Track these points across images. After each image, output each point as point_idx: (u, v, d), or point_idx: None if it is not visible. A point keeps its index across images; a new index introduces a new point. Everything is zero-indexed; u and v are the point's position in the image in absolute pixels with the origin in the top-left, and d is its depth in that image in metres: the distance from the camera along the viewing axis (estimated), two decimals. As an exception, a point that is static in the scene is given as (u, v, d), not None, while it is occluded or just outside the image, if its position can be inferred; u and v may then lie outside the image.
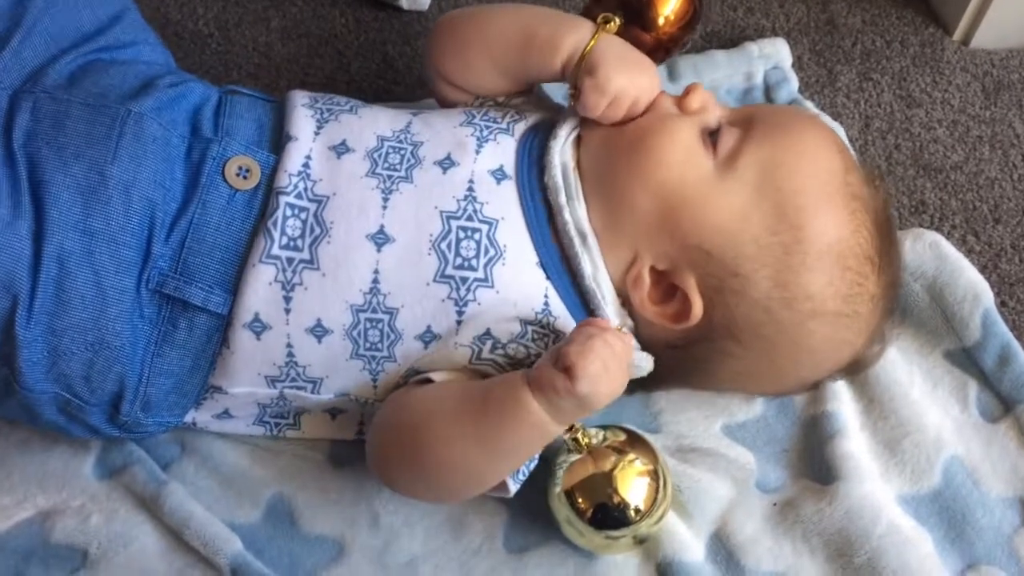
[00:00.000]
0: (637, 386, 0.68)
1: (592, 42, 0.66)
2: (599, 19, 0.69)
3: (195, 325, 0.62)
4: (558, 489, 0.64)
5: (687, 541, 0.66)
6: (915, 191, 0.83)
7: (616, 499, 0.62)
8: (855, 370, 0.71)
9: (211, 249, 0.62)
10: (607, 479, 0.63)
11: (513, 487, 0.63)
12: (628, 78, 0.65)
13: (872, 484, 0.68)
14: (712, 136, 0.65)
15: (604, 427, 0.65)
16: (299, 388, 0.64)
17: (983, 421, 0.72)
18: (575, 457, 0.63)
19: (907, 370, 0.73)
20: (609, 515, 0.63)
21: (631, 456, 0.63)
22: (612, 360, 0.57)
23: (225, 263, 0.62)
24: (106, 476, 0.67)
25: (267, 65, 0.88)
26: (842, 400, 0.71)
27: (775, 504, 0.68)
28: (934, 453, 0.70)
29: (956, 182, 0.83)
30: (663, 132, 0.65)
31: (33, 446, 0.68)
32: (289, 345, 0.62)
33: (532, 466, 0.63)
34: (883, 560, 0.65)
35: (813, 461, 0.70)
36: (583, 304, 0.64)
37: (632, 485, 0.63)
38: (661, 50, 0.75)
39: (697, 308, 0.63)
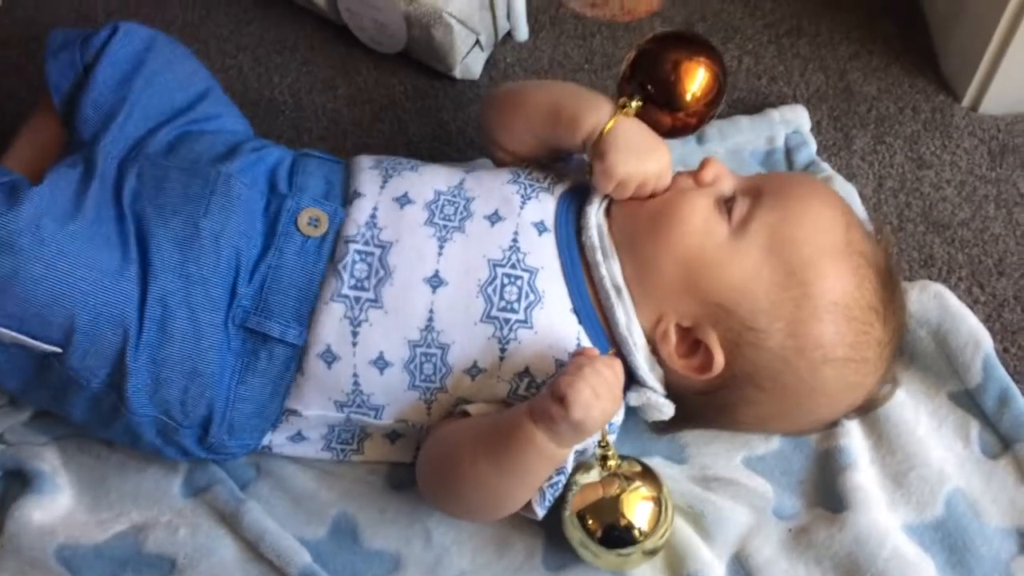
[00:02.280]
0: (666, 427, 0.75)
1: (609, 124, 0.71)
2: (619, 102, 0.74)
3: (274, 355, 0.70)
4: (569, 512, 0.69)
5: (710, 562, 0.71)
6: (924, 246, 0.88)
7: (623, 521, 0.68)
8: (868, 409, 0.76)
9: (287, 288, 0.69)
10: (614, 503, 0.68)
11: (540, 511, 0.69)
12: (635, 165, 0.70)
13: (879, 513, 0.73)
14: (727, 204, 0.71)
15: (624, 457, 0.71)
16: (363, 414, 0.71)
17: (984, 457, 0.76)
18: (586, 481, 0.68)
19: (914, 409, 0.78)
20: (617, 535, 0.68)
21: (636, 483, 0.68)
22: (602, 386, 0.62)
23: (299, 300, 0.69)
24: (191, 495, 0.75)
25: (334, 129, 0.95)
26: (853, 436, 0.76)
27: (790, 530, 0.74)
28: (937, 486, 0.74)
29: (963, 238, 0.88)
30: (682, 205, 0.70)
31: (128, 468, 0.76)
32: (355, 375, 0.69)
33: (557, 493, 0.69)
34: (889, 582, 0.70)
35: (826, 491, 0.75)
36: (615, 344, 0.70)
37: (636, 509, 0.68)
38: (687, 126, 0.76)
39: (719, 360, 0.69)
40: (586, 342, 0.69)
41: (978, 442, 0.77)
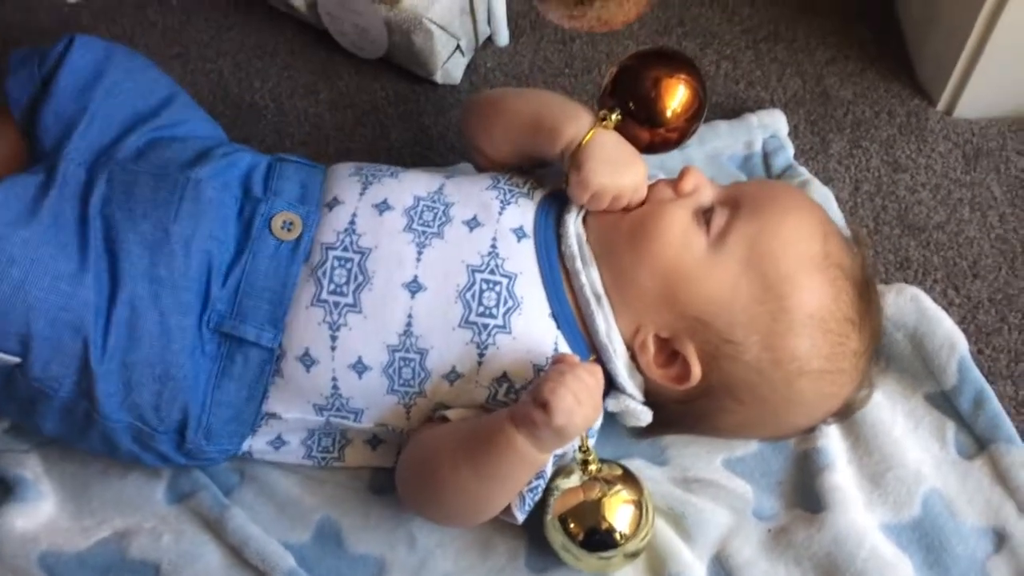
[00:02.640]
0: (645, 432, 0.76)
1: (587, 137, 0.71)
2: (599, 114, 0.74)
3: (249, 359, 0.70)
4: (551, 516, 0.69)
5: (690, 562, 0.72)
6: (900, 249, 0.89)
7: (604, 524, 0.68)
8: (845, 414, 0.77)
9: (261, 291, 0.70)
10: (596, 506, 0.68)
11: (520, 515, 0.69)
12: (610, 177, 0.70)
13: (857, 513, 0.74)
14: (706, 215, 0.71)
15: (604, 461, 0.71)
16: (343, 417, 0.71)
17: (960, 458, 0.77)
18: (567, 485, 0.69)
19: (891, 411, 0.79)
20: (598, 538, 0.68)
21: (617, 487, 0.69)
22: (583, 392, 0.63)
23: (273, 303, 0.70)
24: (175, 501, 0.75)
25: (316, 134, 0.96)
26: (831, 437, 0.77)
27: (770, 530, 0.75)
28: (914, 486, 0.75)
29: (938, 240, 0.89)
30: (661, 218, 0.71)
31: (111, 475, 0.76)
32: (334, 379, 0.70)
33: (537, 497, 0.69)
34: (867, 581, 0.71)
35: (804, 492, 0.76)
36: (593, 351, 0.71)
37: (618, 512, 0.68)
38: (668, 141, 0.76)
39: (696, 372, 0.70)
40: (564, 347, 0.70)
41: (954, 443, 0.78)
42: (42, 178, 0.69)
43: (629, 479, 0.71)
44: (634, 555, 0.71)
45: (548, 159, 0.75)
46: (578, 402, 0.63)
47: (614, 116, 0.74)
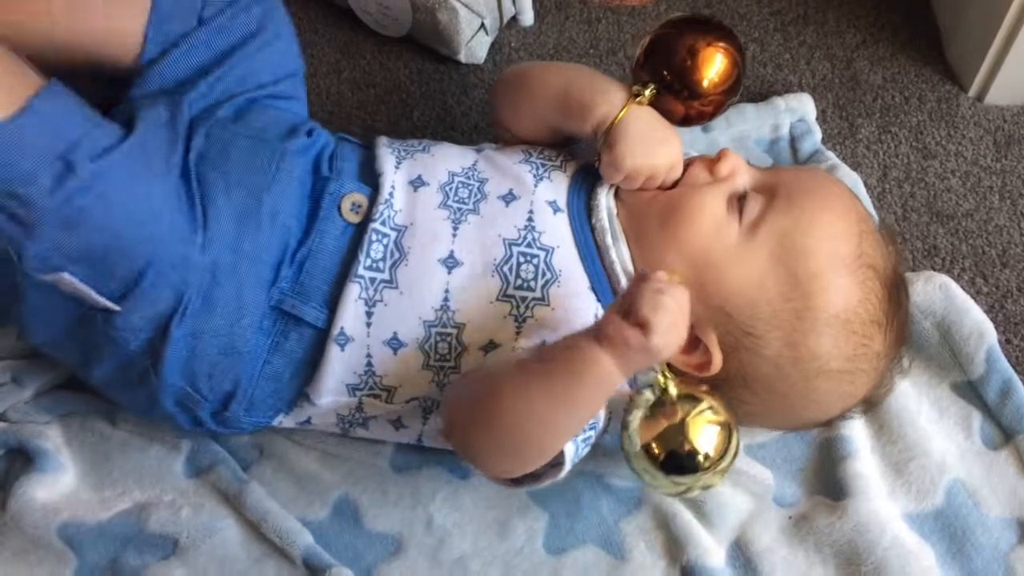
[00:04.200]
0: None
1: (621, 114, 0.70)
2: (632, 90, 0.72)
3: (303, 338, 0.69)
4: (632, 429, 0.66)
5: (710, 548, 0.72)
6: (928, 236, 0.88)
7: (687, 446, 0.65)
8: (864, 410, 0.76)
9: (323, 273, 0.69)
10: (680, 426, 0.65)
11: (568, 464, 0.65)
12: (644, 158, 0.69)
13: (880, 502, 0.73)
14: (740, 201, 0.70)
15: (684, 384, 0.67)
16: (375, 396, 0.70)
17: (985, 448, 0.77)
18: (649, 407, 0.65)
19: (916, 400, 0.78)
20: (679, 461, 0.65)
21: (705, 405, 0.65)
22: (679, 314, 0.60)
23: (332, 285, 0.69)
24: (194, 475, 0.75)
25: (339, 112, 0.95)
26: (854, 425, 0.76)
27: (790, 517, 0.74)
28: (938, 476, 0.75)
29: (967, 228, 0.88)
30: (694, 203, 0.69)
31: (131, 447, 0.76)
32: (368, 355, 0.69)
33: (589, 446, 0.66)
34: (888, 571, 0.70)
35: (826, 479, 0.75)
36: None
37: (703, 433, 0.65)
38: (703, 115, 0.74)
39: (717, 361, 0.69)
40: None
41: (980, 433, 0.77)
42: (168, 127, 0.68)
43: (715, 402, 0.67)
44: (708, 488, 0.68)
45: (578, 136, 0.74)
46: (674, 324, 0.59)
47: (648, 92, 0.71)
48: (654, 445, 0.66)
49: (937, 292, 0.80)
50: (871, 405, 0.76)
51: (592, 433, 0.66)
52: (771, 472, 0.76)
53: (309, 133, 0.73)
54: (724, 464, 0.67)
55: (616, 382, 0.61)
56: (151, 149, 0.66)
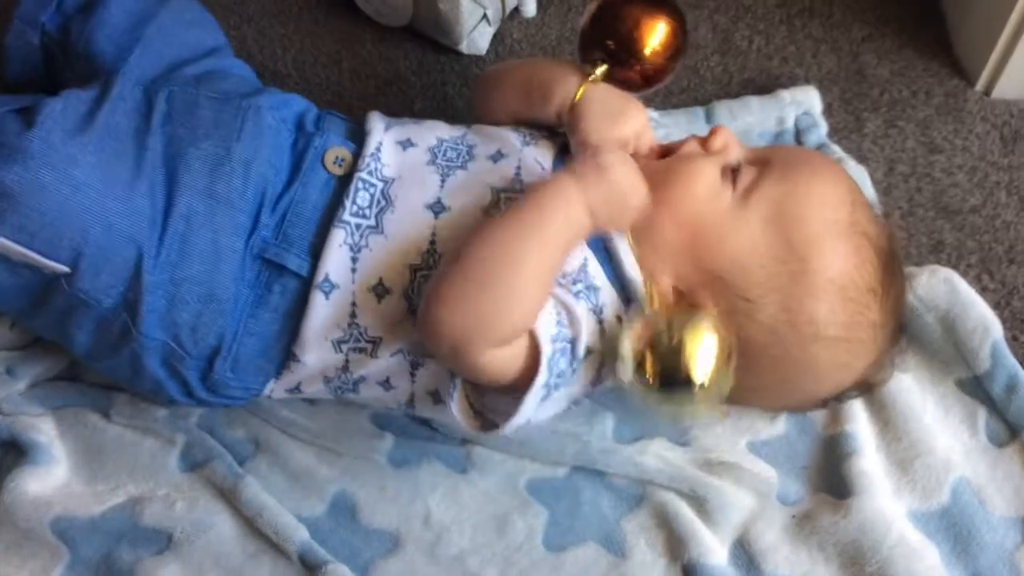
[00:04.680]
0: None
1: (578, 95, 0.72)
2: (584, 70, 0.73)
3: (287, 290, 0.69)
4: (624, 351, 0.64)
5: (712, 546, 0.71)
6: (934, 232, 0.87)
7: (681, 363, 0.62)
8: (867, 390, 0.75)
9: (307, 223, 0.70)
10: (671, 344, 0.63)
11: (543, 371, 0.62)
12: (608, 131, 0.71)
13: (885, 500, 0.72)
14: (733, 173, 0.70)
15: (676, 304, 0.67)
16: (360, 350, 0.69)
17: (991, 446, 0.76)
18: (640, 321, 0.64)
19: (921, 396, 0.77)
20: (673, 378, 0.63)
21: (699, 321, 0.64)
22: (629, 162, 0.65)
23: (316, 234, 0.69)
24: (189, 469, 0.74)
25: (338, 102, 0.94)
26: (859, 422, 0.76)
27: (794, 516, 0.73)
28: (943, 474, 0.74)
29: (973, 224, 0.87)
30: (688, 171, 0.70)
31: (126, 440, 0.75)
32: (353, 304, 0.68)
33: (565, 355, 0.64)
34: (892, 570, 0.69)
35: (830, 477, 0.75)
36: (620, 283, 0.69)
37: (698, 350, 0.63)
38: (648, 81, 0.76)
39: None
40: (595, 269, 0.68)
41: (985, 430, 0.77)
42: (96, 93, 0.70)
43: (710, 319, 0.65)
44: (714, 400, 0.64)
45: (545, 123, 0.75)
46: (623, 160, 0.65)
47: (599, 69, 0.73)
48: (647, 365, 0.63)
49: (941, 286, 0.79)
50: (869, 388, 0.75)
51: (567, 345, 0.65)
52: (774, 470, 0.75)
53: (283, 94, 0.75)
54: (721, 382, 0.63)
55: (579, 211, 0.64)
56: (71, 114, 0.67)
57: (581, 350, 0.66)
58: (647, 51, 0.74)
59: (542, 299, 0.64)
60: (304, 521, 0.72)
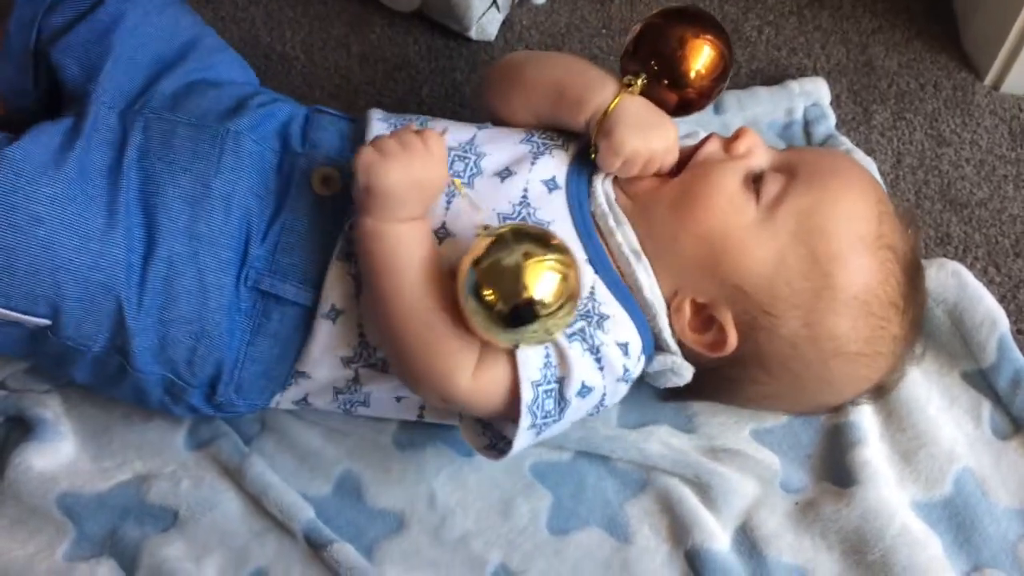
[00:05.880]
0: (671, 396, 0.74)
1: (613, 104, 0.69)
2: (624, 80, 0.71)
3: (286, 317, 0.68)
4: (462, 272, 0.61)
5: (715, 532, 0.71)
6: (941, 224, 0.87)
7: (524, 293, 0.59)
8: (876, 396, 0.75)
9: (300, 250, 0.68)
10: (515, 272, 0.59)
11: (525, 412, 0.62)
12: (641, 141, 0.68)
13: (888, 490, 0.73)
14: (757, 180, 0.69)
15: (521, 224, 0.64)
16: (371, 366, 0.69)
17: (995, 438, 0.76)
18: (486, 241, 0.60)
19: (926, 387, 0.77)
20: (511, 307, 0.59)
21: (541, 248, 0.60)
22: (388, 144, 0.63)
23: (312, 262, 0.68)
24: (195, 447, 0.74)
25: (346, 87, 0.94)
26: (863, 412, 0.76)
27: (797, 503, 0.74)
28: (947, 464, 0.74)
29: (980, 217, 0.87)
30: (709, 181, 0.69)
31: (133, 418, 0.75)
32: (360, 326, 0.68)
33: (548, 401, 0.63)
34: (894, 558, 0.70)
35: (834, 466, 0.75)
36: (635, 300, 0.68)
37: (540, 279, 0.59)
38: (692, 104, 0.73)
39: (732, 341, 0.68)
40: (603, 293, 0.67)
41: (989, 423, 0.77)
42: (70, 124, 0.67)
43: (554, 248, 0.60)
44: (551, 333, 0.61)
45: (572, 129, 0.72)
46: (379, 153, 0.63)
47: (639, 81, 0.71)
48: (485, 289, 0.59)
49: (949, 279, 0.80)
50: (882, 391, 0.75)
51: (555, 386, 0.64)
52: (778, 458, 0.75)
53: (263, 105, 0.72)
54: (562, 312, 0.60)
55: (371, 225, 0.64)
56: (36, 156, 0.64)
57: (570, 391, 0.65)
58: (691, 74, 0.71)
59: (451, 310, 0.62)
60: (310, 500, 0.72)
